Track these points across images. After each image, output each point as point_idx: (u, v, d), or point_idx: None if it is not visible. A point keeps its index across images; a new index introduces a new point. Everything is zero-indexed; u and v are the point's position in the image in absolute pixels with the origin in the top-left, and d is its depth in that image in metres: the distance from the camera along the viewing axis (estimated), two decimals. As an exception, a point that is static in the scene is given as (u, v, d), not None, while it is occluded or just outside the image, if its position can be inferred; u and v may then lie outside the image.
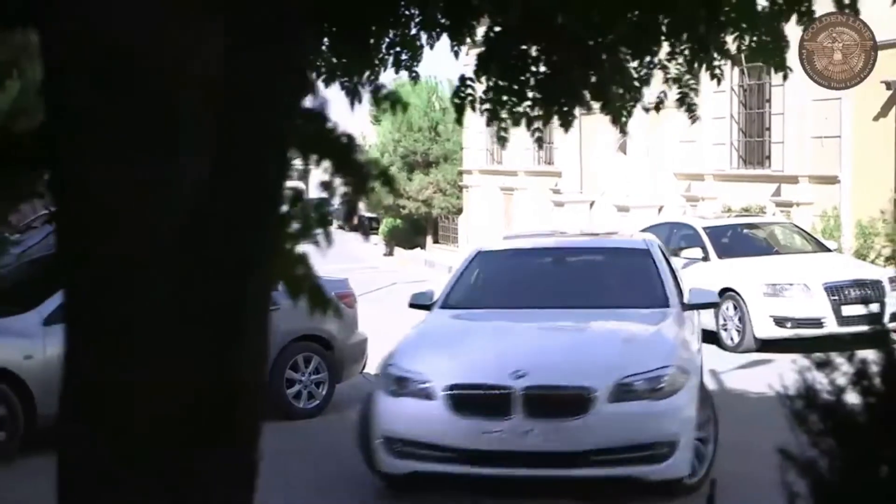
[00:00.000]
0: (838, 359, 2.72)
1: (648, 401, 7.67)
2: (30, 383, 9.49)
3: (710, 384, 12.78)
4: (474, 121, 6.16)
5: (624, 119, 5.13)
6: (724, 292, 15.37)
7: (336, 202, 2.58)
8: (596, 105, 5.00)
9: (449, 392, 7.74)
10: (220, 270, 2.12)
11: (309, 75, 2.48)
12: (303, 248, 2.46)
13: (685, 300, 9.31)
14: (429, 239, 37.29)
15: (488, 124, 5.28)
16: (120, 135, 2.04)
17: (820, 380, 2.76)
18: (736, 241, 16.77)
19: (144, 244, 2.04)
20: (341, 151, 2.40)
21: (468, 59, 7.32)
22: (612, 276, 9.99)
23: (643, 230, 18.25)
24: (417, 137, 35.89)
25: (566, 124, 5.00)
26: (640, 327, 8.73)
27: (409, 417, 7.92)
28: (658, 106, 5.39)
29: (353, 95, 4.60)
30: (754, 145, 22.83)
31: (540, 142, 5.47)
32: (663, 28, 4.61)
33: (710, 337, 15.28)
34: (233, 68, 2.07)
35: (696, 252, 16.24)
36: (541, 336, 8.77)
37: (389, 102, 3.32)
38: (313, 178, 2.94)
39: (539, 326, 8.95)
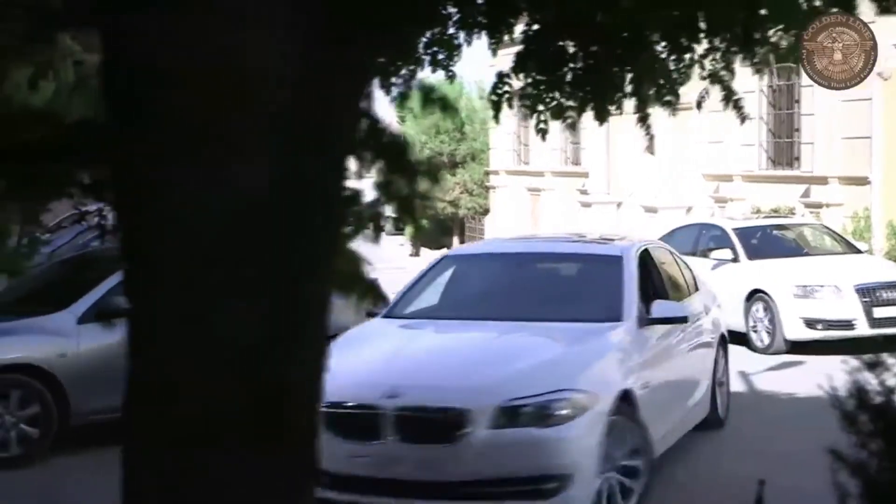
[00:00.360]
0: (890, 360, 2.70)
1: (536, 428, 6.77)
2: (63, 381, 9.58)
3: (740, 386, 12.74)
4: (502, 121, 6.14)
5: (672, 114, 5.11)
6: (754, 294, 15.31)
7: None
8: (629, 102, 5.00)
9: (323, 410, 6.86)
10: (281, 270, 2.13)
11: (367, 76, 2.49)
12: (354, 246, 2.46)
13: (651, 315, 8.32)
14: (455, 239, 37.29)
15: (529, 117, 5.26)
16: (188, 134, 2.05)
17: (870, 381, 2.74)
18: (765, 242, 16.67)
19: (207, 242, 2.05)
20: (394, 150, 2.41)
21: (494, 60, 7.31)
22: (572, 287, 9.26)
23: (671, 231, 18.24)
24: (444, 138, 35.88)
25: (601, 118, 5.00)
26: (560, 345, 7.86)
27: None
28: (699, 103, 5.34)
29: (401, 96, 4.60)
30: (783, 146, 22.70)
31: (573, 127, 5.46)
32: (702, 24, 4.59)
33: (739, 338, 15.23)
34: (301, 70, 2.08)
35: (726, 253, 16.16)
36: (441, 352, 8.02)
37: (439, 104, 3.31)
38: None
39: (448, 341, 8.28)
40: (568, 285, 9.32)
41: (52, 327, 9.79)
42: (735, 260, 15.97)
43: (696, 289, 10.56)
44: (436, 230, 38.07)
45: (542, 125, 5.29)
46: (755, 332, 15.32)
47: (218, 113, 2.06)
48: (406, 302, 9.13)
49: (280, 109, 2.08)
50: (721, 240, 16.55)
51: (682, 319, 8.60)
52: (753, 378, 13.32)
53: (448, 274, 9.59)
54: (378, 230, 2.51)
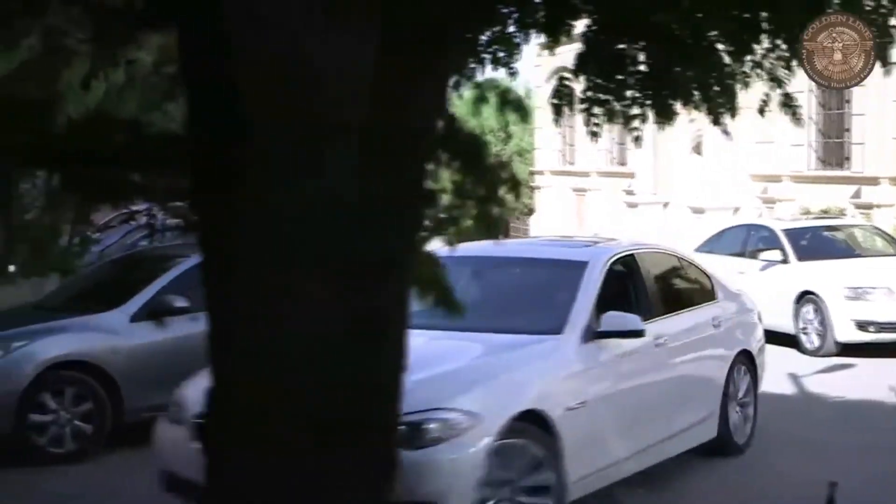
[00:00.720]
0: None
1: (403, 450, 6.36)
2: (117, 378, 9.70)
3: (790, 388, 12.63)
4: (547, 121, 6.12)
5: (727, 117, 5.06)
6: (804, 295, 15.16)
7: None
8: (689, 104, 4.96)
9: (194, 420, 6.55)
10: (364, 271, 2.14)
11: (447, 79, 2.49)
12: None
13: (599, 328, 7.54)
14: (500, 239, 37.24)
15: (586, 123, 5.24)
16: (281, 142, 2.07)
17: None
18: (815, 243, 16.50)
19: (297, 244, 2.06)
20: (471, 151, 2.42)
21: (539, 59, 7.25)
22: (524, 295, 8.56)
23: (720, 232, 18.11)
24: (490, 138, 35.90)
25: (665, 122, 4.96)
26: (469, 359, 7.20)
27: (171, 447, 6.93)
28: (762, 110, 5.27)
29: (478, 98, 4.60)
30: (833, 146, 22.50)
31: (638, 140, 5.40)
32: (764, 25, 4.55)
33: (789, 341, 15.09)
34: (381, 74, 2.10)
35: (775, 254, 16.02)
36: None
37: (514, 105, 3.31)
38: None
39: None
40: (520, 293, 8.64)
41: (105, 325, 9.91)
42: (784, 261, 15.83)
43: (714, 298, 9.62)
44: (479, 230, 38.04)
45: (594, 127, 5.25)
46: (805, 334, 15.16)
47: (308, 120, 2.08)
48: None
49: (364, 115, 2.09)
50: (770, 241, 16.41)
51: (636, 333, 7.59)
52: (804, 380, 13.20)
53: None
54: (459, 233, 2.51)
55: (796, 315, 15.15)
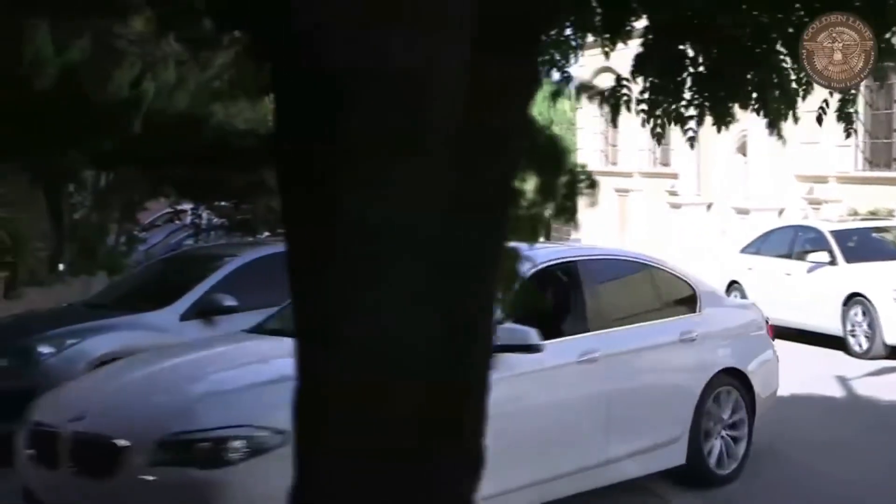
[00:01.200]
0: None
1: (199, 469, 5.65)
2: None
3: (838, 391, 12.53)
4: (589, 122, 6.08)
5: (781, 122, 5.03)
6: (852, 297, 15.03)
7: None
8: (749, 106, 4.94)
9: (32, 427, 6.42)
10: (459, 271, 2.16)
11: (536, 82, 2.51)
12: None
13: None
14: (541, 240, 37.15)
15: (644, 125, 5.23)
16: (379, 141, 2.10)
17: None
18: (863, 244, 16.34)
19: (391, 244, 2.09)
20: (550, 152, 2.44)
21: (583, 60, 7.21)
22: None
23: (766, 233, 17.97)
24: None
25: (722, 124, 4.95)
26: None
27: (25, 462, 6.53)
28: (819, 119, 5.21)
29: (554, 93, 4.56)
30: (881, 147, 22.27)
31: (692, 141, 5.37)
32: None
33: (836, 343, 14.97)
34: (475, 75, 2.12)
35: (823, 256, 15.89)
36: (172, 370, 7.01)
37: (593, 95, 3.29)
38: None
39: (206, 356, 7.32)
40: None
41: (155, 323, 9.99)
42: (832, 263, 15.69)
43: (693, 310, 8.67)
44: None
45: (658, 129, 5.23)
46: (853, 336, 15.03)
47: (407, 120, 2.11)
48: (280, 315, 7.79)
49: (461, 117, 2.12)
50: (818, 242, 16.27)
51: (527, 348, 6.74)
52: (852, 383, 13.09)
53: None
54: (537, 232, 2.53)
55: (844, 317, 15.02)
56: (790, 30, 4.46)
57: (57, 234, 15.74)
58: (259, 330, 7.74)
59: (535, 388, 7.02)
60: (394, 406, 2.18)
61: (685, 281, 8.89)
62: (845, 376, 13.32)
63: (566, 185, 2.52)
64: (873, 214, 19.36)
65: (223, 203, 21.59)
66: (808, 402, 11.60)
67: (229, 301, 9.91)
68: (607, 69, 7.49)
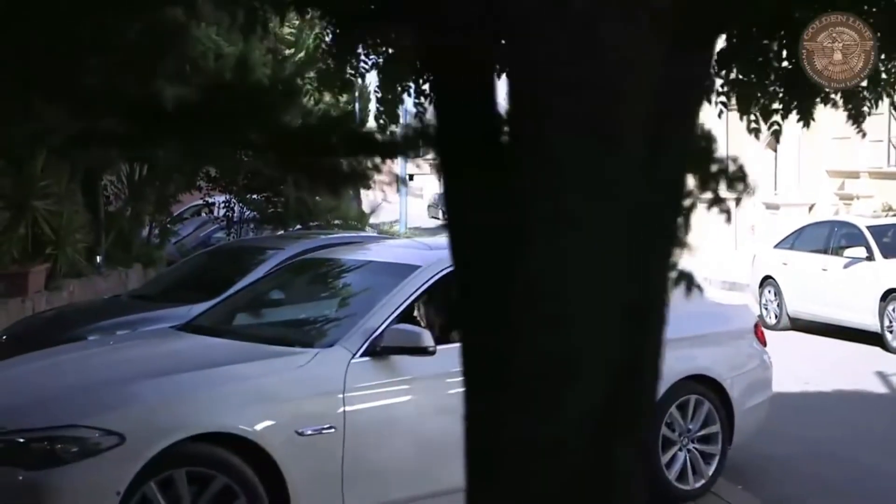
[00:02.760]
0: None
1: (28, 469, 5.37)
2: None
3: (879, 387, 12.48)
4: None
5: (862, 117, 5.02)
6: (890, 293, 14.95)
7: None
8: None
9: None
10: (646, 264, 2.18)
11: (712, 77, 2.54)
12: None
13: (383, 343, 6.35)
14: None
15: (719, 117, 5.21)
16: (579, 141, 2.12)
17: None
18: (899, 240, 16.27)
19: (593, 245, 2.11)
20: (703, 148, 2.45)
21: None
22: (333, 300, 7.73)
23: (801, 228, 17.88)
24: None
25: (806, 118, 4.94)
26: (188, 372, 6.15)
27: None
28: (868, 112, 5.19)
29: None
30: (914, 142, 22.17)
31: (777, 135, 5.34)
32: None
33: (874, 339, 14.91)
34: (664, 75, 2.14)
35: (860, 251, 15.82)
36: (50, 368, 6.74)
37: None
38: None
39: (113, 355, 7.06)
40: (330, 298, 7.77)
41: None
42: (870, 258, 15.62)
43: None
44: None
45: (753, 125, 5.21)
46: (891, 332, 14.97)
47: (608, 117, 2.13)
48: (213, 311, 7.89)
49: (652, 117, 2.14)
50: (854, 238, 16.20)
51: (421, 350, 6.28)
52: (892, 379, 13.04)
53: (268, 278, 8.47)
54: (686, 223, 2.53)
55: (882, 313, 14.95)
56: (870, 21, 4.46)
57: (94, 226, 15.84)
58: (186, 327, 7.46)
59: (445, 392, 6.30)
60: (585, 405, 2.18)
61: None
62: (885, 372, 13.28)
63: (718, 177, 2.53)
64: (911, 210, 19.27)
65: (254, 196, 21.69)
66: (853, 399, 11.57)
67: (277, 293, 9.93)
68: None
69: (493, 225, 2.15)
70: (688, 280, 2.38)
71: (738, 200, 2.58)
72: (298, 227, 20.60)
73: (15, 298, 12.54)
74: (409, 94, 5.30)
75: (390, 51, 4.77)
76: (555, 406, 2.12)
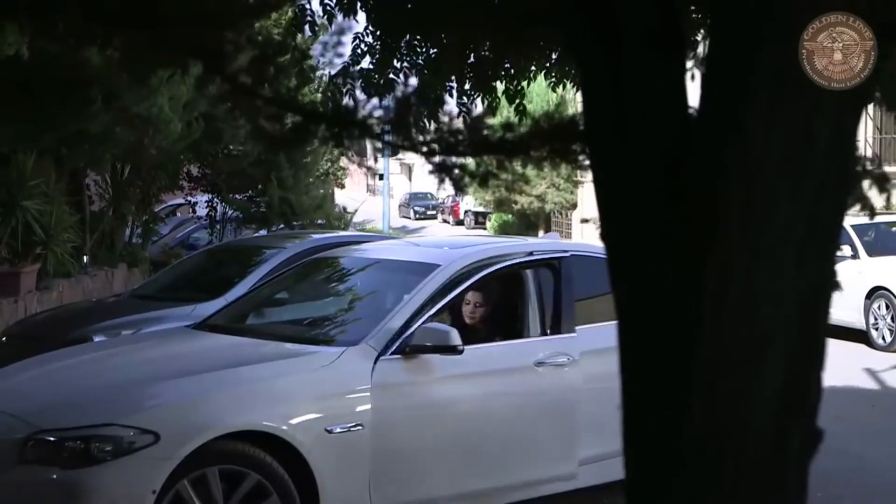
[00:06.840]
0: None
1: (63, 469, 5.33)
2: (220, 367, 9.78)
3: (867, 383, 12.61)
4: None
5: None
6: (875, 291, 15.13)
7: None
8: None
9: None
10: (821, 259, 2.23)
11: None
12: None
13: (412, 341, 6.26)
14: (540, 233, 37.31)
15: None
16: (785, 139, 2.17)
17: None
18: (882, 239, 16.46)
19: (784, 236, 2.14)
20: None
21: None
22: (353, 298, 7.56)
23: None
24: (533, 132, 35.90)
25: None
26: (215, 371, 6.07)
27: None
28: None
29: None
30: (891, 141, 22.44)
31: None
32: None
33: (859, 336, 15.08)
34: None
35: (845, 250, 15.96)
36: (105, 369, 6.63)
37: None
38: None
39: (139, 355, 6.96)
40: (360, 297, 7.57)
41: (207, 314, 9.97)
42: (854, 256, 15.79)
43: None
44: (520, 225, 38.14)
45: None
46: (876, 329, 15.16)
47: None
48: (233, 310, 7.89)
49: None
50: (838, 236, 16.32)
51: (450, 349, 6.22)
52: (880, 375, 13.20)
53: (282, 278, 8.33)
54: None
55: (867, 310, 15.13)
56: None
57: (80, 225, 15.72)
58: (203, 326, 7.46)
59: (472, 392, 6.48)
60: (769, 413, 2.21)
61: None
62: (872, 369, 13.43)
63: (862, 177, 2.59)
64: (887, 209, 19.43)
65: (237, 196, 21.61)
66: (845, 395, 11.68)
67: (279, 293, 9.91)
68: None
69: (679, 221, 2.18)
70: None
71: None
72: (282, 226, 20.53)
73: (7, 299, 12.44)
74: (452, 96, 5.29)
75: (433, 51, 4.77)
76: (746, 390, 2.15)
